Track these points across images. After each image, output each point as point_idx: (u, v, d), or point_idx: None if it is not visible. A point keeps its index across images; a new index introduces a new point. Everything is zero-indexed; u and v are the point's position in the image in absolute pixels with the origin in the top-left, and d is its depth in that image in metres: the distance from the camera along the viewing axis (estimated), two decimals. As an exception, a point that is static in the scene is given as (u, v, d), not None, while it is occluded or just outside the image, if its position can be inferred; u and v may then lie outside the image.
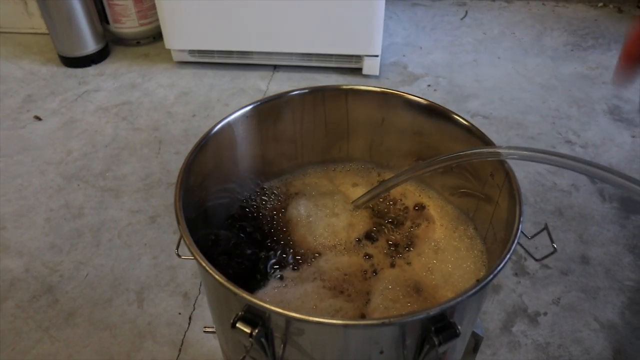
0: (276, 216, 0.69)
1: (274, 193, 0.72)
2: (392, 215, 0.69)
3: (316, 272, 0.61)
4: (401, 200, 0.71)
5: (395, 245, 0.65)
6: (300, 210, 0.68)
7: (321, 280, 0.60)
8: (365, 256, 0.64)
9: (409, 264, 0.63)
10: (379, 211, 0.70)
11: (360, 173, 0.75)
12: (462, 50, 1.94)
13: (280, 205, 0.70)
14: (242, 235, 0.65)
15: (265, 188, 0.73)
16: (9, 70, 1.86)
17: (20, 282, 1.13)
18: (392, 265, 0.63)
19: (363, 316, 0.57)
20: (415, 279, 0.61)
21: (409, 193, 0.72)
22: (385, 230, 0.67)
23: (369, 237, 0.66)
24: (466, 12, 2.21)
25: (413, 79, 1.79)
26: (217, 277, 0.46)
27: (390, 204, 0.70)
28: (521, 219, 0.52)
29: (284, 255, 0.63)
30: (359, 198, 0.68)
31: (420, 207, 0.70)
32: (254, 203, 0.70)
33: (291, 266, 0.62)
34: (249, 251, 0.63)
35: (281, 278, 0.61)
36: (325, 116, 0.71)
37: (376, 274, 0.62)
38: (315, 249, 0.64)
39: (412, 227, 0.67)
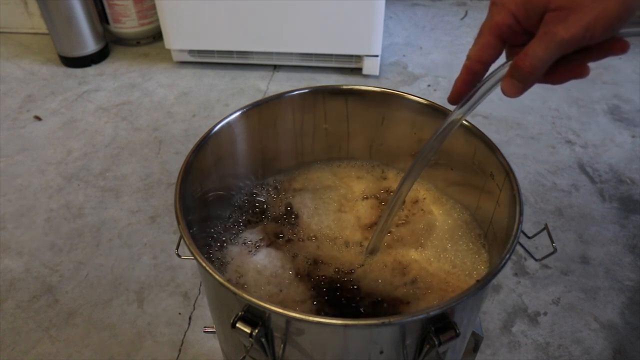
0: (278, 211, 0.69)
1: (276, 189, 0.72)
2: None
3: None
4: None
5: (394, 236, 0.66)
6: (307, 203, 0.68)
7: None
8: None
9: (401, 241, 0.64)
10: (383, 200, 0.70)
11: (365, 168, 0.75)
12: (462, 50, 1.94)
13: (283, 201, 0.71)
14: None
15: (266, 186, 0.73)
16: (9, 70, 1.86)
17: (20, 282, 1.13)
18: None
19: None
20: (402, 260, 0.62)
21: (411, 190, 0.72)
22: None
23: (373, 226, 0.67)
24: (466, 12, 2.21)
25: (413, 79, 1.79)
26: (217, 277, 0.46)
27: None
28: (521, 219, 0.52)
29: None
30: (369, 243, 0.62)
31: (421, 201, 0.70)
32: (255, 201, 0.71)
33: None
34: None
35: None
36: (325, 116, 0.71)
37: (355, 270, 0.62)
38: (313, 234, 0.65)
39: (408, 217, 0.68)
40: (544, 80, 0.44)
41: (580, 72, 0.44)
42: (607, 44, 0.41)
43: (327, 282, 0.59)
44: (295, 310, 0.43)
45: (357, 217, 0.68)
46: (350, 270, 0.61)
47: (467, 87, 0.49)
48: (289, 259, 0.62)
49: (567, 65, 0.44)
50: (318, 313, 0.57)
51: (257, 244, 0.64)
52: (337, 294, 0.58)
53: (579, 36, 0.39)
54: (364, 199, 0.70)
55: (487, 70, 0.48)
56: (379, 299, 0.58)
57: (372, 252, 0.62)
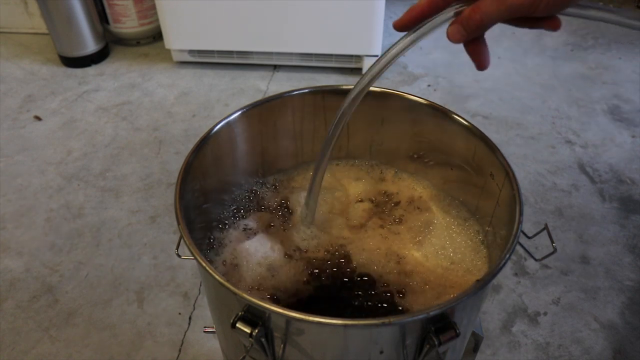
0: (273, 203, 0.70)
1: (274, 187, 0.72)
2: (390, 210, 0.69)
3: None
4: (397, 193, 0.71)
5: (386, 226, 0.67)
6: (302, 201, 0.69)
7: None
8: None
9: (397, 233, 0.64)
10: (378, 203, 0.70)
11: (365, 169, 0.76)
12: (462, 50, 1.92)
13: (280, 195, 0.71)
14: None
15: (265, 184, 0.73)
16: (9, 70, 1.86)
17: (20, 282, 1.13)
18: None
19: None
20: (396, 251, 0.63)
21: (408, 189, 0.72)
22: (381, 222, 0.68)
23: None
24: (466, 12, 2.21)
25: (413, 79, 1.79)
26: (217, 277, 0.46)
27: (387, 199, 0.71)
28: (521, 219, 0.52)
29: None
30: (303, 208, 0.65)
31: (417, 200, 0.70)
32: (255, 200, 0.71)
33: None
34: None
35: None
36: (325, 116, 0.71)
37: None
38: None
39: (404, 215, 0.68)
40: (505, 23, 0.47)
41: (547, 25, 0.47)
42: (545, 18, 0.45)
43: (319, 264, 0.61)
44: (295, 310, 0.43)
45: (347, 218, 0.68)
46: (341, 244, 0.63)
47: (418, 18, 0.52)
48: (279, 243, 0.64)
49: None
50: (310, 297, 0.58)
51: (255, 231, 0.66)
52: (329, 272, 0.60)
53: (524, 6, 0.43)
54: (357, 201, 0.70)
55: (446, 6, 0.51)
56: (373, 278, 0.60)
57: (308, 220, 0.64)
